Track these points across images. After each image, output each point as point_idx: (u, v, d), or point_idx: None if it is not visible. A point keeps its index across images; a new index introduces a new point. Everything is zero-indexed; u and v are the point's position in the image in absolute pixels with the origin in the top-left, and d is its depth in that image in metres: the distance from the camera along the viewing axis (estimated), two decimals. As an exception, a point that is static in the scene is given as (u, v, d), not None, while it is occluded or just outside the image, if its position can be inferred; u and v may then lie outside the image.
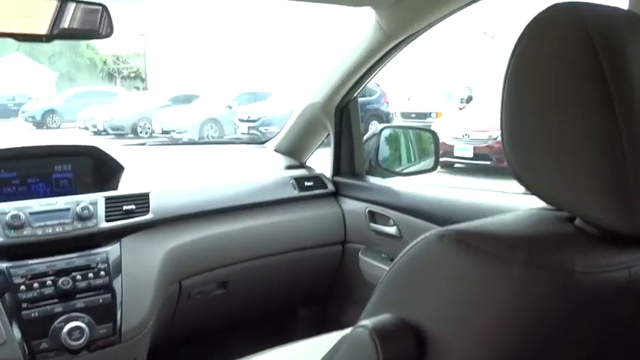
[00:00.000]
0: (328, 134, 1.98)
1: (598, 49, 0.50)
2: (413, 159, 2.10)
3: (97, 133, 13.76)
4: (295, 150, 2.06)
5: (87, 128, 14.18)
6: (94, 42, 28.03)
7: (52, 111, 16.58)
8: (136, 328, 1.43)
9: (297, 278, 1.91)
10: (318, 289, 1.99)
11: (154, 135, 12.71)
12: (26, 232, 1.37)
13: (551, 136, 0.54)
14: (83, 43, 26.60)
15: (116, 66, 30.13)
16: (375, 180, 1.91)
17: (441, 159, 2.01)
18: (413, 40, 1.55)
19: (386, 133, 2.00)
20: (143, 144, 2.22)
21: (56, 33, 1.24)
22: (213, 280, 1.70)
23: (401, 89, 13.87)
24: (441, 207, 1.58)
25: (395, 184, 1.83)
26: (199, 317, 1.77)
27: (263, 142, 2.22)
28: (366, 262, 1.80)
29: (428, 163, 1.98)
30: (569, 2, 0.55)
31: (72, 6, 1.24)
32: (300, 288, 1.96)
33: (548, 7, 0.56)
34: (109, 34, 1.28)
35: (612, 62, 0.50)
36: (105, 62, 30.11)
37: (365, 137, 1.98)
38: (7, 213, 1.36)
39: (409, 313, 0.57)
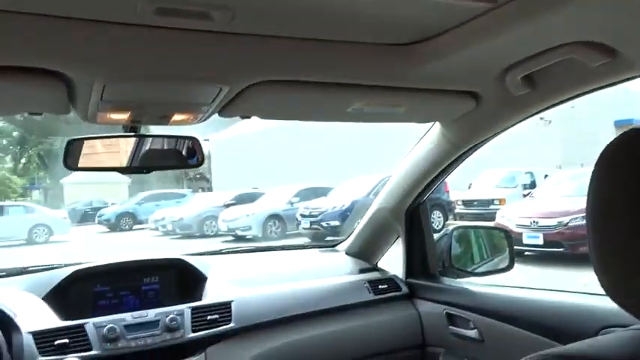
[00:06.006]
0: (398, 236, 2.02)
1: None
2: (486, 257, 2.09)
3: (167, 233, 14.32)
4: (366, 253, 2.10)
5: (157, 229, 14.82)
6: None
7: (125, 214, 17.55)
8: None
9: None
10: None
11: (219, 233, 13.07)
12: (121, 344, 1.45)
13: None
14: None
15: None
16: (449, 281, 1.90)
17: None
18: (480, 147, 1.61)
19: (457, 233, 2.01)
20: (220, 250, 2.32)
21: (150, 166, 1.37)
22: None
23: (460, 177, 13.79)
24: (525, 309, 1.55)
25: (471, 284, 1.82)
26: None
27: (333, 246, 2.27)
28: None
29: (502, 261, 1.96)
30: None
31: (162, 140, 1.39)
32: None
33: (631, 130, 0.60)
34: (200, 163, 1.40)
35: None
36: (173, 166, 31.81)
37: (436, 238, 2.00)
38: (104, 326, 1.45)
39: None
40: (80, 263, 1.69)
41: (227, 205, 14.21)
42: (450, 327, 1.77)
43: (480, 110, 1.37)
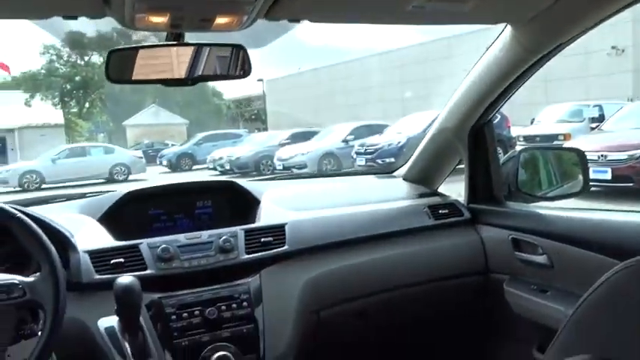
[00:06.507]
0: (461, 160, 1.90)
1: None
2: (555, 182, 1.95)
3: (224, 172, 14.65)
4: (426, 177, 1.99)
5: (215, 168, 15.19)
6: (219, 89, 30.29)
7: (184, 154, 18.10)
8: (278, 359, 1.43)
9: (437, 310, 1.82)
10: (460, 322, 1.88)
11: (275, 171, 13.24)
12: (175, 264, 1.44)
13: None
14: (209, 90, 28.86)
15: (239, 110, 32.23)
16: (516, 205, 1.78)
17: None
18: (557, 53, 1.43)
19: (524, 155, 1.87)
20: (273, 178, 2.28)
21: (194, 77, 1.30)
22: (351, 311, 1.66)
23: (522, 112, 13.19)
24: (600, 232, 1.42)
25: (541, 209, 1.69)
26: (337, 348, 1.74)
27: (391, 172, 2.18)
28: (513, 294, 1.66)
29: (575, 184, 1.82)
30: None
31: (207, 50, 1.30)
32: (440, 320, 1.86)
33: None
34: (247, 74, 1.32)
35: None
36: (229, 107, 32.36)
37: (501, 161, 1.87)
38: (158, 247, 1.44)
39: (615, 353, 0.49)
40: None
41: (282, 144, 14.33)
42: (516, 253, 1.66)
43: (560, 5, 1.19)
